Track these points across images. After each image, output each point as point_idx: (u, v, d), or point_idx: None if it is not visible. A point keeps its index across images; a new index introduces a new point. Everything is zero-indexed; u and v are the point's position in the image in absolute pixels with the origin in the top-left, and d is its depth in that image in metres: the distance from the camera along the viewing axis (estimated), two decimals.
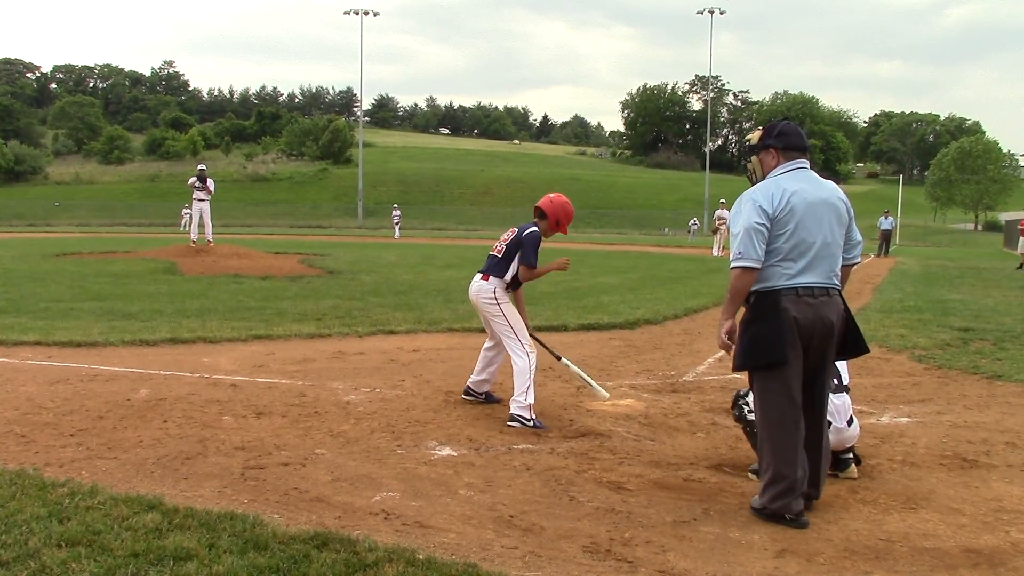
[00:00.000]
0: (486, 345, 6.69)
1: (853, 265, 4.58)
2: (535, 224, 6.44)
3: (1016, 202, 75.76)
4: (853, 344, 4.49)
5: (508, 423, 6.05)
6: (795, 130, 4.48)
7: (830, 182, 4.50)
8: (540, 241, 6.38)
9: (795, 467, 4.22)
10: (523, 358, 6.24)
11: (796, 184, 4.32)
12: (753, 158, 4.60)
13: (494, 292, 6.35)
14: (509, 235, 6.46)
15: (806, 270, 4.25)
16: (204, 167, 23.14)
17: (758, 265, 4.24)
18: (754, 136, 4.61)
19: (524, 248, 6.32)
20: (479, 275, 6.45)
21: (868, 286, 18.65)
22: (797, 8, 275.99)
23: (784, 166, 4.42)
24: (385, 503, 4.36)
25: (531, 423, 6.02)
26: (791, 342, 4.22)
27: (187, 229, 33.01)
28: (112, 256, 22.43)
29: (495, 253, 6.44)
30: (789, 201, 4.25)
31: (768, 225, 4.24)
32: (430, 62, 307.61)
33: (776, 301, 4.24)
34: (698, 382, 7.80)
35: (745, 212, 4.32)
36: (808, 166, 4.45)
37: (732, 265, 4.32)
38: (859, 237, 4.55)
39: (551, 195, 6.57)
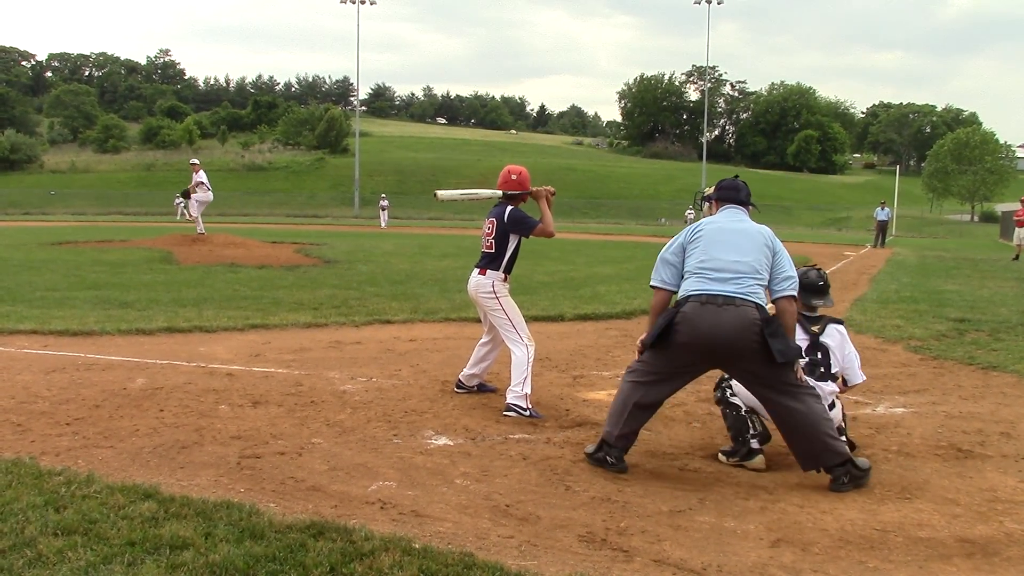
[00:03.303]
0: (481, 340, 6.68)
1: (786, 297, 4.80)
2: (506, 204, 6.40)
3: (1012, 193, 75.48)
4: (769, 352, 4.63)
5: (504, 413, 6.06)
6: (733, 186, 5.13)
7: (759, 225, 4.96)
8: (521, 209, 6.39)
9: (615, 426, 4.85)
10: (522, 350, 6.24)
11: (717, 219, 5.02)
12: (705, 205, 5.42)
13: (492, 286, 6.32)
14: (490, 227, 6.40)
15: (713, 282, 4.69)
16: (195, 160, 23.14)
17: (663, 287, 4.94)
18: (710, 190, 5.32)
19: (518, 226, 6.30)
20: (476, 270, 6.42)
21: (864, 276, 18.69)
22: None
23: (722, 209, 5.10)
24: (381, 492, 4.37)
25: (527, 412, 6.03)
26: (677, 341, 4.67)
27: (184, 218, 32.93)
28: (108, 245, 22.36)
29: (487, 249, 6.41)
30: (701, 230, 4.92)
31: (678, 252, 4.94)
32: (429, 51, 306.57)
33: (680, 304, 4.77)
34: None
35: (668, 243, 5.05)
36: (741, 212, 5.05)
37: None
38: (790, 273, 4.84)
39: (514, 176, 6.44)
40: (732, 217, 4.99)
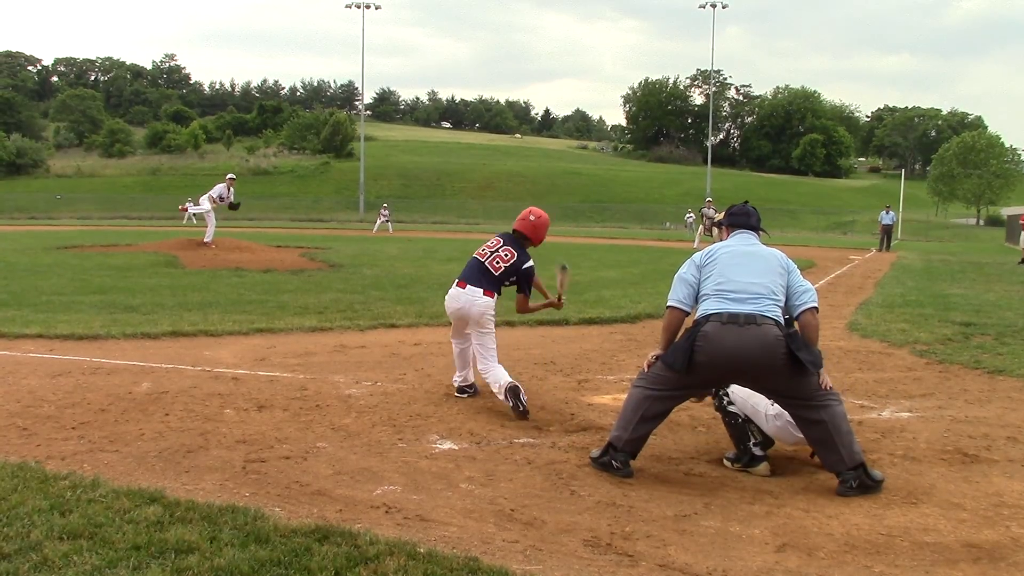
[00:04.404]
0: (461, 347, 6.65)
1: (807, 310, 4.88)
2: (526, 251, 6.47)
3: (1018, 197, 75.51)
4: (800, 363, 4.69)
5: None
6: (743, 211, 5.24)
7: (771, 248, 5.10)
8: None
9: (624, 430, 4.89)
10: (496, 369, 6.24)
11: (730, 243, 5.13)
12: (715, 230, 5.22)
13: (493, 308, 6.37)
14: (506, 255, 6.38)
15: (733, 302, 4.75)
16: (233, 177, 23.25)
17: (679, 306, 4.97)
18: (721, 215, 5.38)
19: (525, 281, 6.41)
20: (481, 290, 6.31)
21: (870, 281, 18.66)
22: (805, 0, 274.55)
23: (733, 234, 5.20)
24: (386, 497, 4.37)
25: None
26: (698, 361, 4.68)
27: (191, 222, 32.82)
28: (114, 249, 22.43)
29: (492, 270, 6.36)
30: (715, 253, 5.02)
31: (695, 274, 5.00)
32: (435, 55, 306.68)
33: (700, 324, 4.78)
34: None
35: (684, 265, 5.13)
36: (752, 237, 5.14)
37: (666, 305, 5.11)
38: (807, 286, 4.96)
39: (532, 217, 6.52)
40: (744, 242, 5.09)
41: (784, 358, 4.60)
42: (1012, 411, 6.58)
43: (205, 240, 21.74)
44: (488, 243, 6.49)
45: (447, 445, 5.38)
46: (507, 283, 6.44)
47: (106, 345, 8.46)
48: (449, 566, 3.42)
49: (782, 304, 4.83)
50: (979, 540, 3.99)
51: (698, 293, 4.94)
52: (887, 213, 36.55)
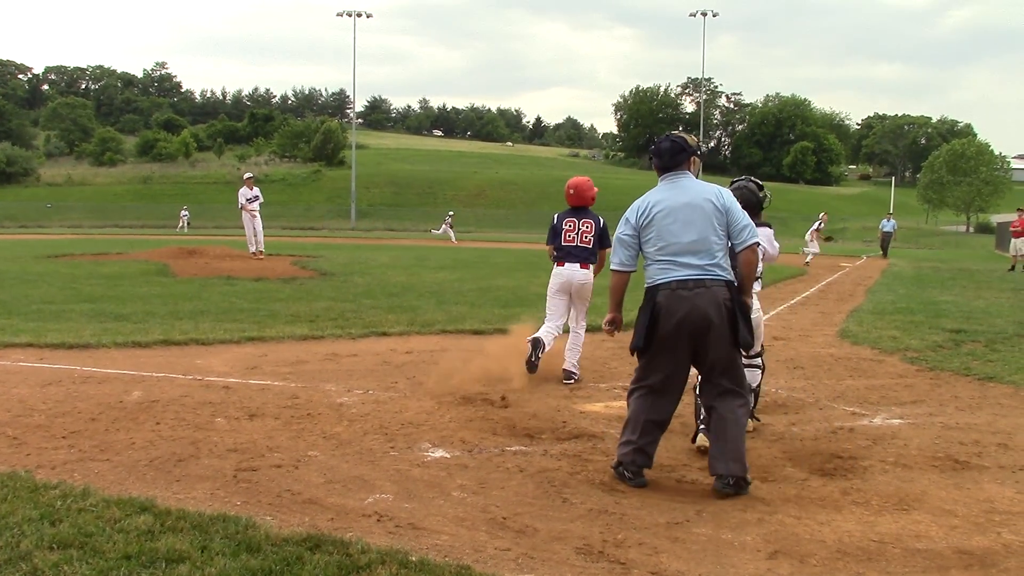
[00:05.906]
0: (559, 323, 7.59)
1: (748, 247, 4.85)
2: (591, 211, 7.49)
3: (1008, 204, 75.70)
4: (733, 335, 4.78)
5: (567, 380, 7.35)
6: (657, 153, 4.97)
7: (704, 185, 4.95)
8: None
9: (633, 433, 4.88)
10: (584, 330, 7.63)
11: (661, 195, 4.92)
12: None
13: (592, 281, 7.49)
14: (588, 226, 7.34)
15: (679, 266, 4.75)
16: (252, 175, 22.92)
17: (623, 268, 5.02)
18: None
19: (607, 235, 7.22)
20: (577, 264, 7.30)
21: (861, 288, 18.72)
22: (798, 9, 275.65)
23: (661, 179, 5.00)
24: (378, 505, 4.36)
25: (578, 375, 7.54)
26: (662, 333, 4.76)
27: (183, 231, 32.84)
28: (104, 258, 22.33)
29: (586, 245, 7.38)
30: (650, 212, 4.87)
31: (633, 234, 4.94)
32: (427, 63, 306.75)
33: (652, 295, 4.84)
34: (691, 384, 7.78)
35: (620, 223, 5.06)
36: (682, 175, 4.94)
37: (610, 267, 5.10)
38: (744, 222, 4.85)
39: (572, 191, 7.46)
40: (675, 188, 4.89)
41: (725, 321, 4.70)
42: (1002, 417, 6.61)
43: (260, 252, 21.42)
44: (566, 229, 7.34)
45: (439, 453, 5.38)
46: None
47: (96, 354, 8.42)
48: (441, 574, 3.41)
49: (725, 248, 4.83)
50: (970, 547, 4.00)
51: (640, 251, 4.95)
52: (888, 221, 37.18)
